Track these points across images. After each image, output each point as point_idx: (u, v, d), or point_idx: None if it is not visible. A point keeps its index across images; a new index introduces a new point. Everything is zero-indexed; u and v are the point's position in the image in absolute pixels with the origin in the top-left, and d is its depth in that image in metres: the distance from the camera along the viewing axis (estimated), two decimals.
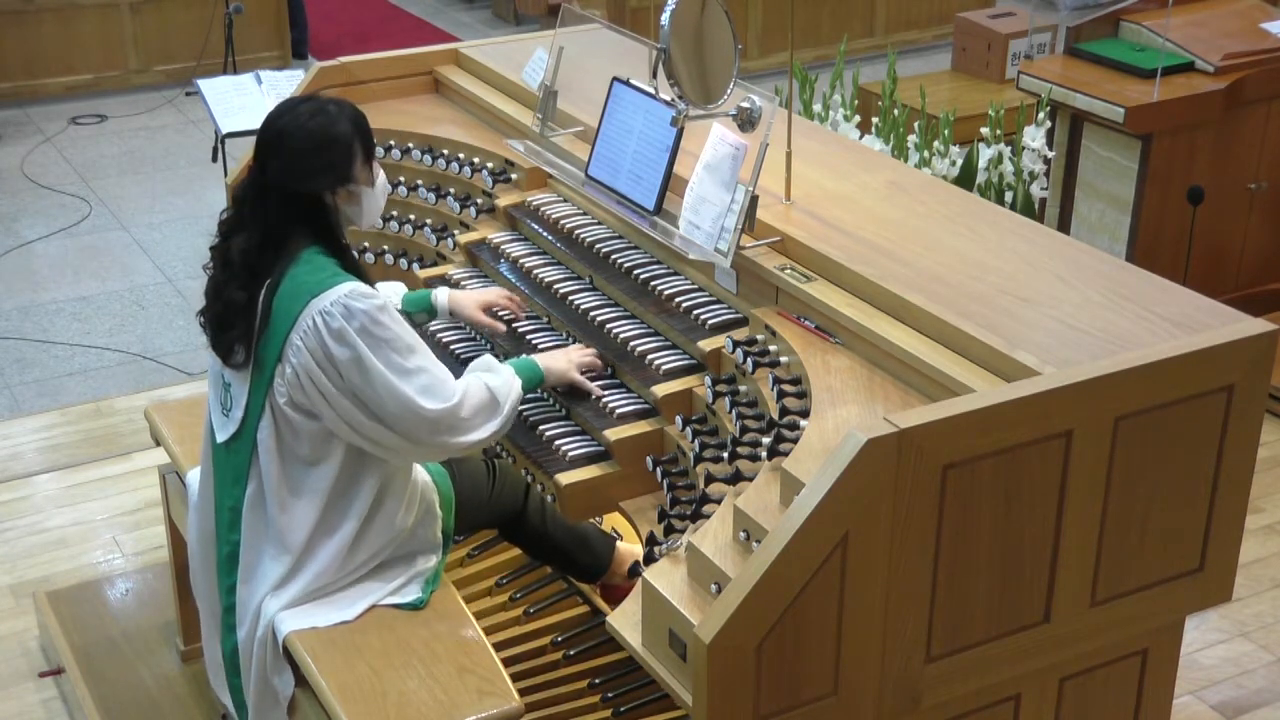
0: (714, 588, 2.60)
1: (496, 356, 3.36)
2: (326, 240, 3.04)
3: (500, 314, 3.59)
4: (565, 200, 3.89)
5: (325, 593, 3.11)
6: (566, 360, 3.32)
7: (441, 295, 3.56)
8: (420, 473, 3.27)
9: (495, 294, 3.62)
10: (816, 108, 5.62)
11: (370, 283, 3.04)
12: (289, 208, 3.00)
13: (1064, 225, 5.79)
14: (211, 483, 3.20)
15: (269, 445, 3.03)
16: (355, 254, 3.13)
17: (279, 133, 3.02)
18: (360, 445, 3.02)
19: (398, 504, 3.14)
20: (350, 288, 2.96)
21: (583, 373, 3.32)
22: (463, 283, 3.83)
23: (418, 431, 2.99)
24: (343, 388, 2.95)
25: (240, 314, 3.00)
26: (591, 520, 3.69)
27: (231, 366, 3.05)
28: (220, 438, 3.13)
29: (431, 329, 3.72)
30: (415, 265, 4.04)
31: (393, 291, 3.54)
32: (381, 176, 3.17)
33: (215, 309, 3.04)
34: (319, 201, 3.03)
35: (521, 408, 3.36)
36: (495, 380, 3.15)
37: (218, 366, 3.12)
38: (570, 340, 3.49)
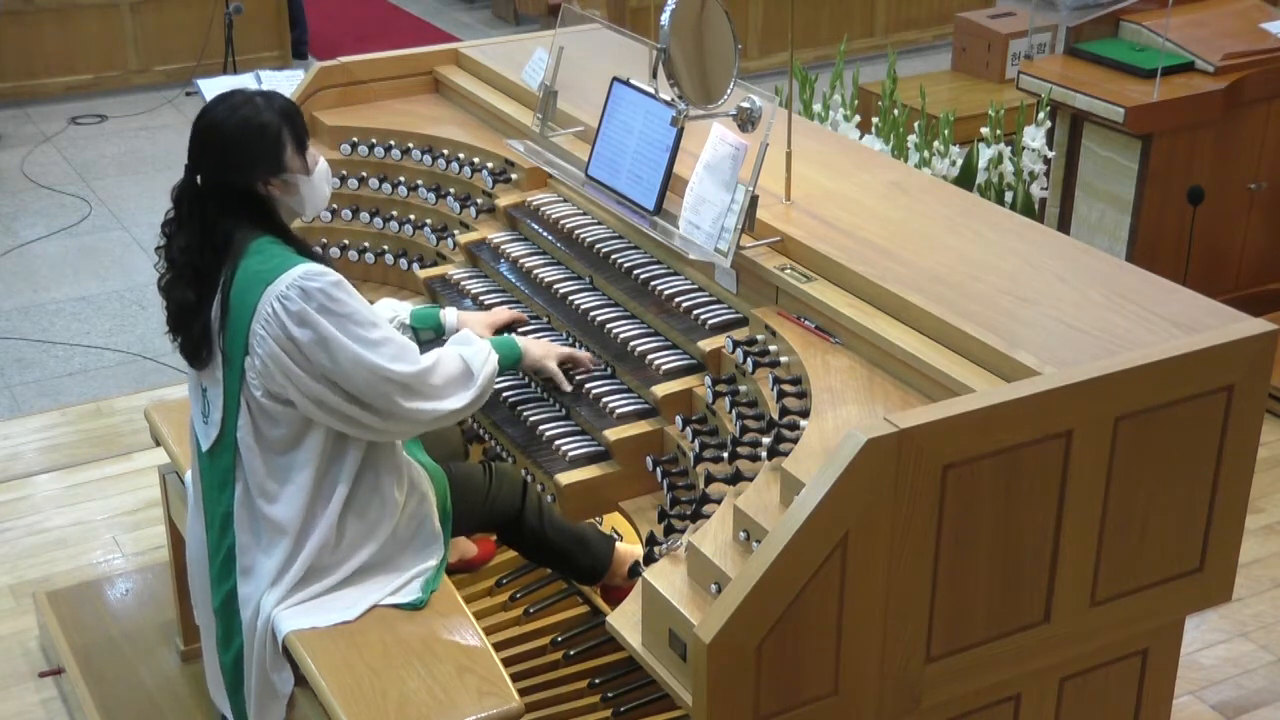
0: (714, 588, 2.60)
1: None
2: (271, 230, 3.03)
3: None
4: (565, 200, 3.89)
5: (321, 577, 3.09)
6: (546, 348, 3.32)
7: (450, 315, 3.53)
8: (410, 460, 3.26)
9: (504, 315, 3.59)
10: (816, 108, 5.61)
11: (324, 263, 3.02)
12: (224, 203, 2.99)
13: (1064, 225, 5.79)
14: (201, 496, 3.20)
15: (249, 442, 3.03)
16: (304, 239, 3.12)
17: (205, 128, 3.02)
18: (335, 426, 3.01)
19: (388, 476, 3.13)
20: (304, 269, 2.94)
21: (562, 365, 3.32)
22: (463, 283, 3.83)
23: (390, 401, 2.97)
24: (310, 370, 2.93)
25: (193, 314, 3.01)
26: (591, 520, 3.69)
27: (199, 368, 3.05)
28: (204, 445, 3.13)
29: None
30: (415, 265, 4.04)
31: (400, 309, 3.53)
32: (322, 163, 3.15)
33: (169, 309, 3.07)
34: (253, 193, 3.02)
35: (521, 407, 3.37)
36: (468, 351, 3.14)
37: (194, 377, 3.12)
38: (570, 340, 3.49)
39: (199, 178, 3.02)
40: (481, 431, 3.45)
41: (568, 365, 3.34)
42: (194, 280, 3.00)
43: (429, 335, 3.52)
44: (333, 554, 3.09)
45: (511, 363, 3.26)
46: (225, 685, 3.26)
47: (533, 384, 3.44)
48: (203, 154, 3.01)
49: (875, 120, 5.62)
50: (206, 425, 3.10)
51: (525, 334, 3.54)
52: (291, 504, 3.04)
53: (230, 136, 2.99)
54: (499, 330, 3.52)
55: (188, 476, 3.46)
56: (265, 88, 6.11)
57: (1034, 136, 5.54)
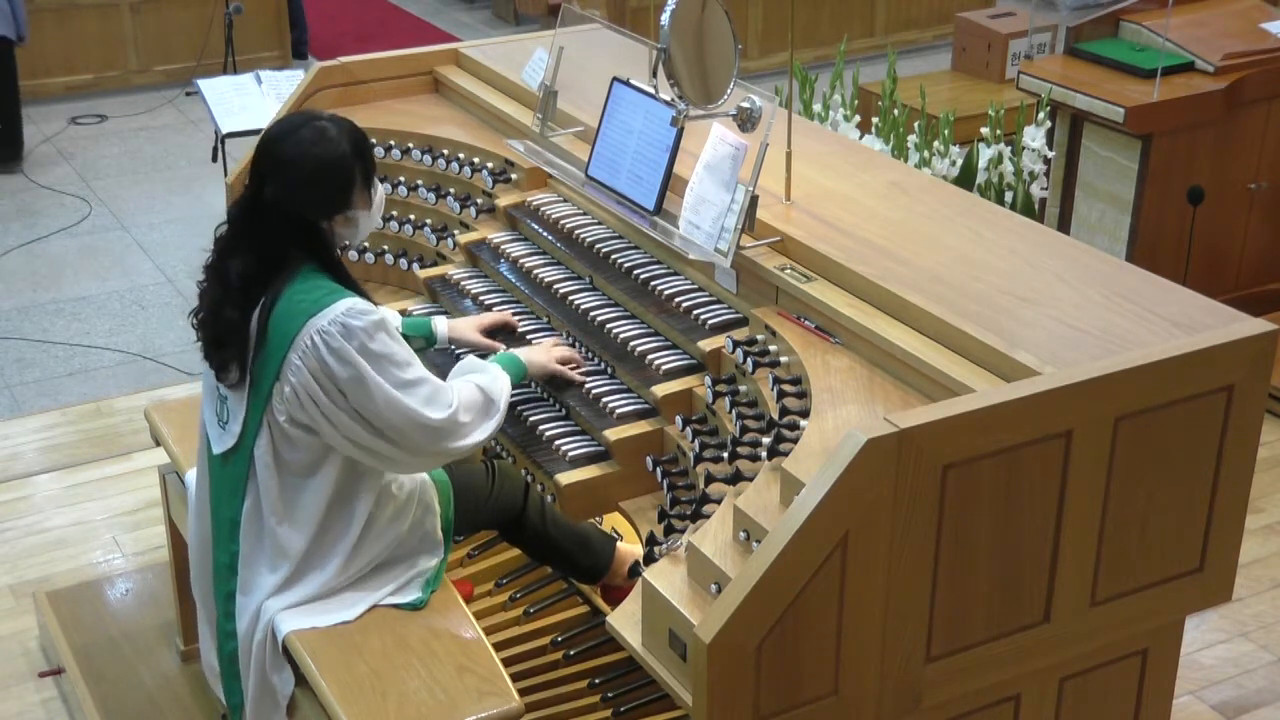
0: (714, 588, 2.60)
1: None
2: (321, 259, 3.03)
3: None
4: (565, 200, 3.89)
5: (326, 594, 3.11)
6: (546, 353, 3.35)
7: (440, 324, 3.56)
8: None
9: (490, 317, 3.60)
10: (816, 108, 5.62)
11: (366, 297, 3.03)
12: (285, 229, 2.98)
13: (1064, 225, 5.79)
14: (208, 493, 3.20)
15: (266, 460, 3.03)
16: (349, 271, 3.12)
17: (279, 158, 3.00)
18: (359, 459, 3.02)
19: (395, 508, 3.15)
20: (348, 305, 2.95)
21: (562, 364, 3.34)
22: (463, 283, 3.83)
23: (420, 441, 3.00)
24: (344, 405, 2.94)
25: (234, 332, 2.98)
26: (591, 520, 3.69)
27: (224, 383, 3.05)
28: (217, 450, 3.13)
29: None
30: (415, 265, 4.04)
31: (389, 316, 3.53)
32: (379, 192, 3.16)
33: (215, 329, 3.01)
34: (316, 227, 3.03)
35: (521, 407, 3.37)
36: (484, 379, 3.16)
37: (212, 380, 3.12)
38: (569, 339, 3.49)
39: (262, 195, 2.98)
40: None
41: (568, 364, 3.36)
42: (244, 302, 2.97)
43: (420, 344, 3.53)
44: (337, 581, 3.12)
45: (519, 380, 3.29)
46: (222, 674, 3.27)
47: (533, 384, 3.44)
48: (272, 182, 2.98)
49: (875, 120, 5.62)
50: (223, 432, 3.09)
51: (524, 334, 3.55)
52: (299, 531, 3.05)
53: (306, 173, 2.98)
54: (490, 333, 3.54)
55: (189, 476, 3.46)
56: (264, 89, 6.12)
57: (1034, 136, 5.54)
